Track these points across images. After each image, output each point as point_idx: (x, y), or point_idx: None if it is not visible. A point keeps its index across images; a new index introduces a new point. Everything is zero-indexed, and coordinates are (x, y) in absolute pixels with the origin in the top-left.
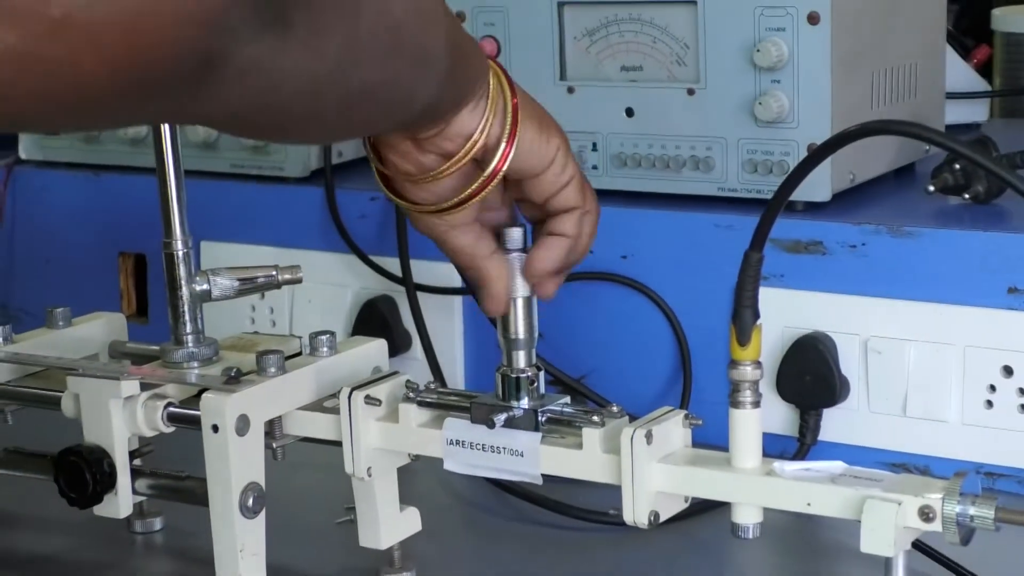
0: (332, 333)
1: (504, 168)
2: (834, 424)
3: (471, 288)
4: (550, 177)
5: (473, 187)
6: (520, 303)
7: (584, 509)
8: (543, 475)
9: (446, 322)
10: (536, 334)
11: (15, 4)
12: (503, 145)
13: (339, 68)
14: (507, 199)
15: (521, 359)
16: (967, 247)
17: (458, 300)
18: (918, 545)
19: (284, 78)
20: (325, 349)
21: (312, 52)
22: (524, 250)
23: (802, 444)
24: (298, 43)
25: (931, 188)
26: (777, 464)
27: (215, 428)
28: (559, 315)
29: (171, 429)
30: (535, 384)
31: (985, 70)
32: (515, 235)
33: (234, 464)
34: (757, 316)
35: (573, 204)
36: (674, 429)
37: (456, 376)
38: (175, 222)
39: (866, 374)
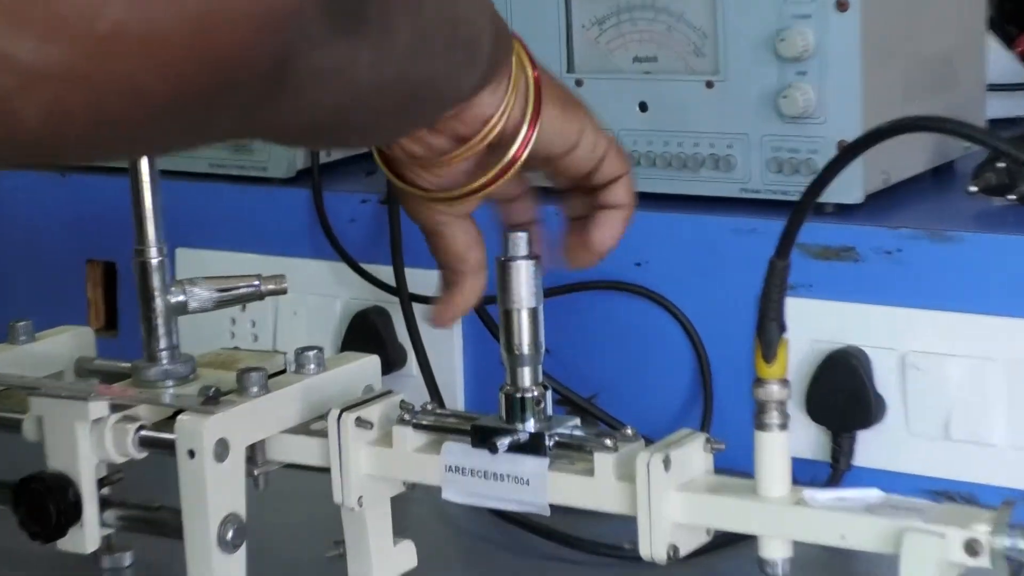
0: (320, 349)
1: (524, 155)
2: (869, 448)
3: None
4: (582, 154)
5: (490, 174)
6: (525, 315)
7: (596, 542)
8: (551, 505)
9: (444, 337)
10: (542, 349)
11: (61, 13)
12: (524, 130)
13: (406, 64)
14: (524, 187)
15: (526, 377)
16: (1013, 252)
17: None
18: None
19: (357, 80)
20: (312, 366)
21: (383, 50)
22: (531, 256)
23: (835, 470)
24: (370, 41)
25: (972, 189)
26: (808, 493)
27: (191, 453)
28: (567, 329)
29: (143, 455)
30: (542, 405)
31: None
32: (520, 241)
33: (212, 493)
34: (784, 329)
35: (619, 171)
36: (694, 454)
37: (455, 396)
38: (148, 227)
39: (904, 392)
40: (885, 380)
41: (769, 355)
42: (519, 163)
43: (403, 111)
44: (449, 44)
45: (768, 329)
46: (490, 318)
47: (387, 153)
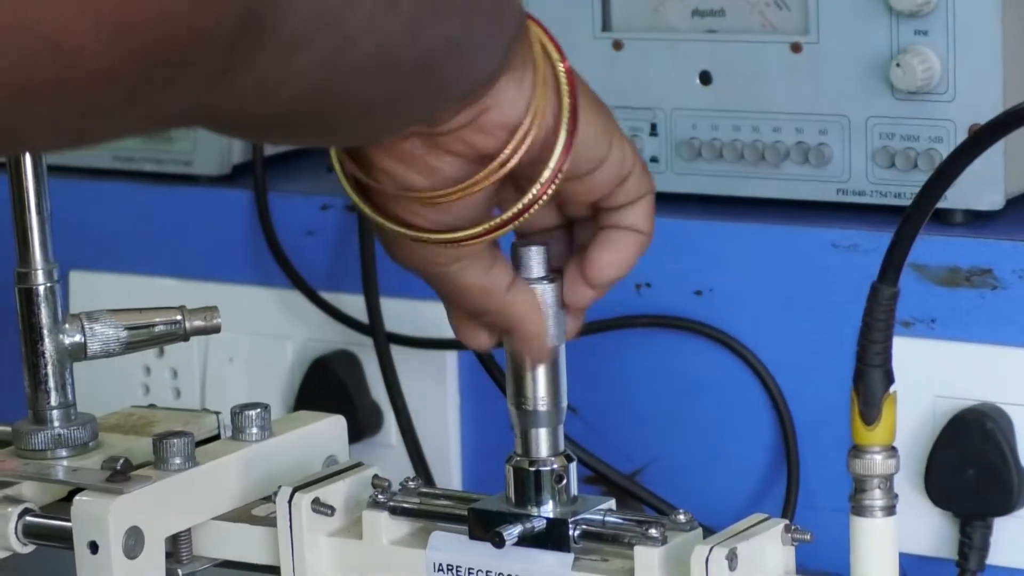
0: (266, 407)
1: (563, 171)
2: (1010, 541)
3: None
4: (610, 169)
5: (519, 204)
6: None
7: None
8: None
9: (433, 390)
10: (564, 405)
11: None
12: (562, 138)
13: (416, 16)
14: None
15: (543, 444)
16: None
17: (451, 357)
18: None
19: (354, 37)
20: (255, 430)
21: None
22: (547, 277)
23: (963, 570)
24: None
25: None
26: None
27: (93, 547)
28: (602, 380)
29: (29, 548)
30: (564, 481)
31: None
32: (534, 257)
33: None
34: (891, 380)
35: (640, 192)
36: (770, 547)
37: (448, 470)
38: (33, 242)
39: None
40: None
41: (870, 414)
42: (556, 183)
43: (409, 91)
44: None
45: (869, 379)
46: (495, 365)
47: (366, 182)
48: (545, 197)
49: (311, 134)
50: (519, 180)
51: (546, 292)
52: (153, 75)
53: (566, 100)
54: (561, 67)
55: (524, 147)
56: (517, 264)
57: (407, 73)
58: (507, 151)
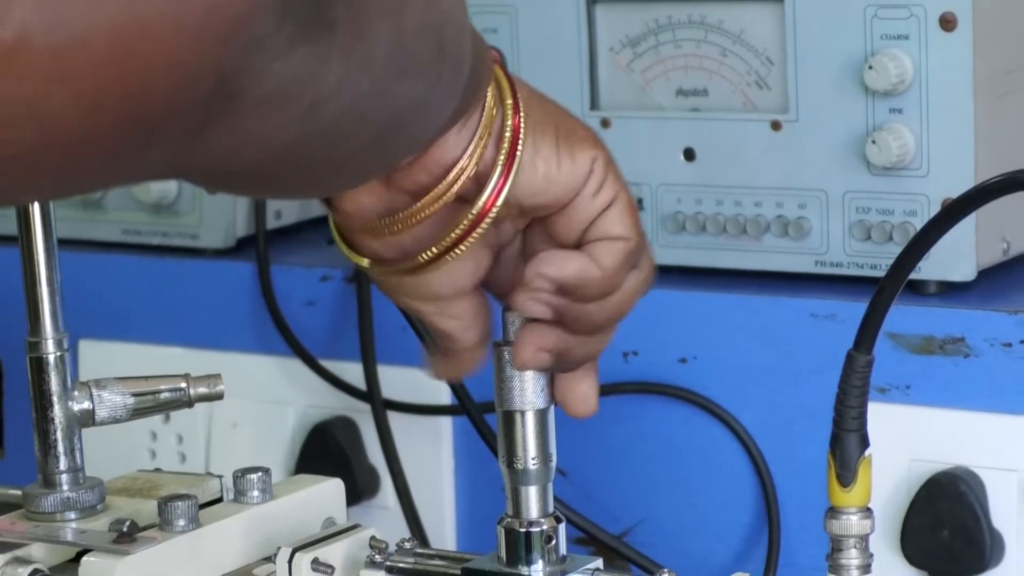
0: (267, 471)
1: (497, 205)
2: None
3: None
4: (581, 203)
5: (452, 235)
6: (531, 418)
7: None
8: None
9: (429, 454)
10: (553, 463)
11: None
12: (497, 174)
13: (386, 79)
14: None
15: (533, 504)
16: None
17: (446, 422)
18: None
19: (325, 100)
20: (256, 493)
21: (358, 61)
22: None
23: None
24: (341, 51)
25: None
26: None
27: None
28: (589, 445)
29: None
30: (553, 542)
31: None
32: (518, 320)
33: None
34: (867, 444)
35: (617, 234)
36: None
37: (443, 532)
38: (44, 312)
39: None
40: (1004, 512)
41: (846, 477)
42: (489, 217)
43: (380, 145)
44: (435, 56)
45: (845, 443)
46: (489, 429)
47: (339, 218)
48: (480, 227)
49: (284, 188)
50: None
51: None
52: (129, 140)
53: (507, 141)
54: (511, 114)
55: (458, 184)
56: (506, 328)
57: (376, 131)
58: (441, 186)
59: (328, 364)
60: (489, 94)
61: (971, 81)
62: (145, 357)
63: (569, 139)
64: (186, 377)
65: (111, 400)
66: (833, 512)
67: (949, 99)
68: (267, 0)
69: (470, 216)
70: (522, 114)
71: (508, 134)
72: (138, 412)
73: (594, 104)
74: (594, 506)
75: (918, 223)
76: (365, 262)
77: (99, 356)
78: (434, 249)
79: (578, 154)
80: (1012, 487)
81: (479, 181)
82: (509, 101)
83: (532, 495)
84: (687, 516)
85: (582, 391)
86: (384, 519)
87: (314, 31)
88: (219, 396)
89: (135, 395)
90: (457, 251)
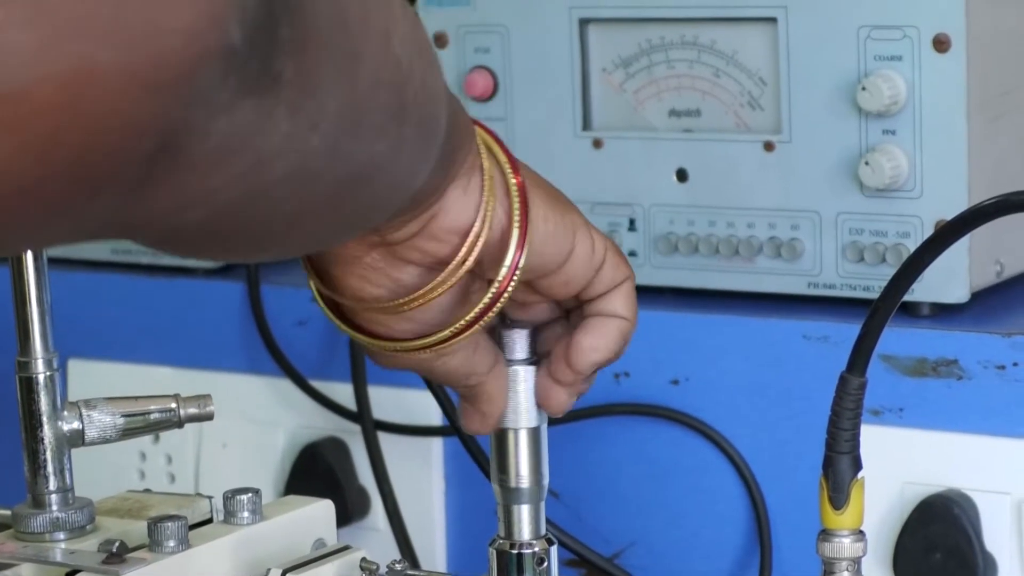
0: (256, 491)
1: (520, 267)
2: None
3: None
4: (579, 263)
5: (478, 307)
6: (524, 436)
7: None
8: None
9: (420, 476)
10: (545, 483)
11: None
12: (515, 238)
13: (338, 137)
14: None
15: (525, 525)
16: None
17: (437, 444)
18: None
19: (271, 157)
20: (246, 514)
21: (306, 117)
22: (530, 360)
23: None
24: (288, 107)
25: None
26: None
27: None
28: (581, 467)
29: None
30: (545, 564)
31: None
32: (517, 340)
33: None
34: (859, 466)
35: (618, 279)
36: None
37: (433, 552)
38: (34, 332)
39: (1022, 549)
40: (996, 534)
41: (839, 499)
42: (514, 281)
43: (336, 205)
44: (396, 116)
45: (838, 466)
46: (480, 450)
47: (334, 298)
48: (506, 295)
49: (239, 248)
50: (487, 276)
51: (528, 373)
52: (73, 193)
53: (515, 194)
54: (512, 176)
55: (477, 249)
56: (502, 345)
57: (330, 191)
58: (461, 254)
59: (318, 384)
60: (484, 157)
61: (964, 102)
62: (135, 377)
63: (556, 199)
64: (176, 397)
65: (101, 420)
66: (825, 535)
67: (942, 120)
68: (213, 53)
69: (494, 287)
70: (521, 171)
71: (516, 196)
72: (128, 432)
73: (586, 124)
74: (585, 528)
75: (911, 245)
76: (373, 342)
77: (88, 376)
78: (458, 325)
79: (567, 213)
80: (1005, 510)
81: (492, 247)
82: (505, 161)
83: (524, 515)
84: (679, 538)
85: (560, 396)
86: (374, 540)
87: (260, 86)
88: (209, 417)
89: (125, 415)
90: (476, 327)
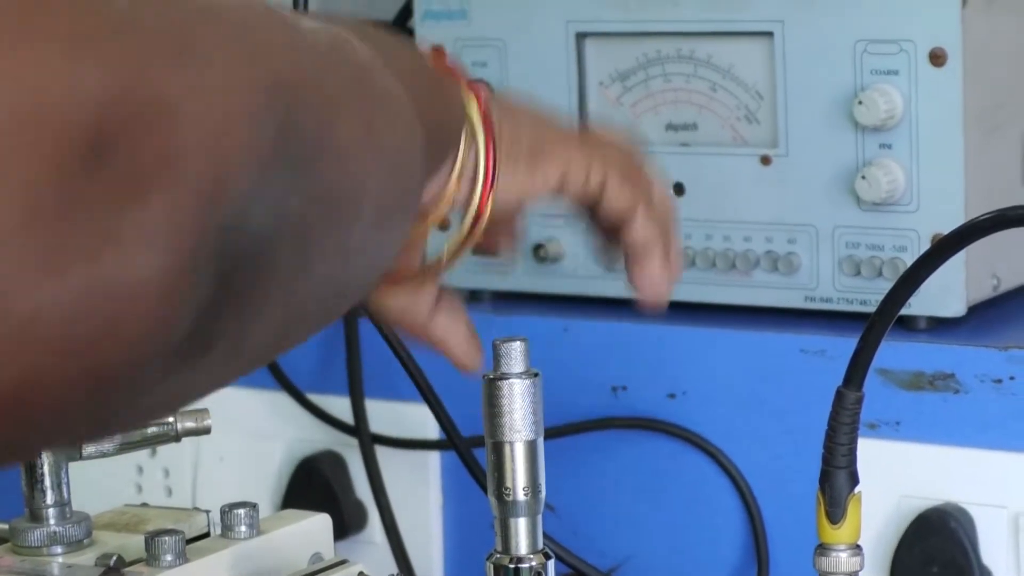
0: (254, 505)
1: (482, 225)
2: None
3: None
4: (573, 193)
5: (443, 256)
6: (520, 449)
7: None
8: None
9: (416, 489)
10: (542, 496)
11: None
12: (477, 197)
13: (261, 357)
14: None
15: (522, 537)
16: None
17: (434, 457)
18: None
19: (190, 398)
20: (243, 528)
21: (231, 368)
22: (527, 372)
23: None
24: (215, 366)
25: None
26: None
27: None
28: (577, 481)
29: None
30: None
31: None
32: (514, 352)
33: None
34: (856, 481)
35: (624, 204)
36: None
37: (430, 566)
38: None
39: (1019, 564)
40: (993, 548)
41: (835, 514)
42: (475, 235)
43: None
44: (328, 315)
45: (834, 480)
46: (476, 464)
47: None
48: (464, 248)
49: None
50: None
51: (524, 387)
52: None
53: (482, 162)
54: (484, 157)
55: (434, 221)
56: (498, 359)
57: (244, 368)
58: (421, 227)
59: (315, 398)
60: (464, 143)
61: (961, 116)
62: None
63: (542, 157)
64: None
65: None
66: (822, 549)
67: (939, 134)
68: (156, 353)
69: (461, 234)
70: (494, 150)
71: (483, 156)
72: (125, 446)
73: None
74: (582, 542)
75: (908, 259)
76: None
77: None
78: (424, 266)
79: (549, 167)
80: (1002, 524)
81: (457, 206)
82: (482, 137)
83: (521, 528)
84: (676, 552)
85: (651, 274)
86: (372, 554)
87: (191, 358)
88: (206, 431)
89: None
90: (451, 263)
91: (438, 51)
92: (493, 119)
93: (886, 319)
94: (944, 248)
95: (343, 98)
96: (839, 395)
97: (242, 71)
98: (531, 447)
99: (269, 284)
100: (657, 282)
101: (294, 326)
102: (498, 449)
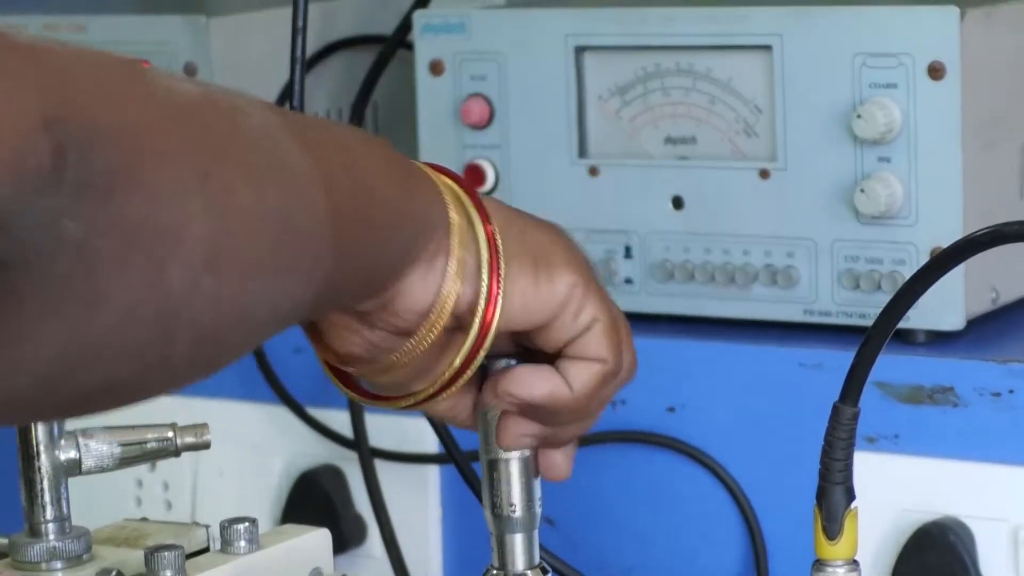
0: (253, 520)
1: (488, 341)
2: None
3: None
4: (563, 324)
5: (446, 375)
6: (516, 466)
7: None
8: None
9: (416, 504)
10: (538, 512)
11: None
12: (480, 308)
13: (59, 374)
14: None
15: (519, 554)
16: None
17: (433, 472)
18: None
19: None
20: (243, 543)
21: (20, 372)
22: None
23: None
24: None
25: None
26: None
27: None
28: (576, 495)
29: None
30: None
31: None
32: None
33: None
34: (852, 496)
35: (593, 355)
36: None
37: None
38: None
39: None
40: (993, 562)
41: (832, 529)
42: (482, 353)
43: (84, 408)
44: (156, 341)
45: (831, 496)
46: (476, 478)
47: (329, 360)
48: (475, 363)
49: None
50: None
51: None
52: None
53: (485, 281)
54: (485, 252)
55: (435, 332)
56: (489, 373)
57: (62, 407)
58: (419, 336)
59: (315, 412)
60: (455, 229)
61: (959, 130)
62: None
63: (548, 266)
64: (173, 426)
65: (98, 449)
66: (819, 565)
67: (937, 148)
68: None
69: (460, 356)
70: (498, 237)
71: (485, 274)
72: (125, 461)
73: (582, 152)
74: (581, 556)
75: (907, 272)
76: (370, 401)
77: None
78: (430, 389)
79: (556, 280)
80: (1002, 537)
81: (462, 317)
82: (482, 234)
83: (518, 544)
84: (675, 566)
85: (555, 459)
86: (371, 568)
87: None
88: (206, 446)
89: (122, 444)
90: (452, 390)
91: (436, 69)
92: (491, 214)
93: (882, 334)
94: (941, 264)
95: (175, 149)
96: (835, 410)
97: (24, 96)
98: (525, 463)
99: (46, 297)
100: (524, 394)
101: (91, 352)
102: (492, 466)
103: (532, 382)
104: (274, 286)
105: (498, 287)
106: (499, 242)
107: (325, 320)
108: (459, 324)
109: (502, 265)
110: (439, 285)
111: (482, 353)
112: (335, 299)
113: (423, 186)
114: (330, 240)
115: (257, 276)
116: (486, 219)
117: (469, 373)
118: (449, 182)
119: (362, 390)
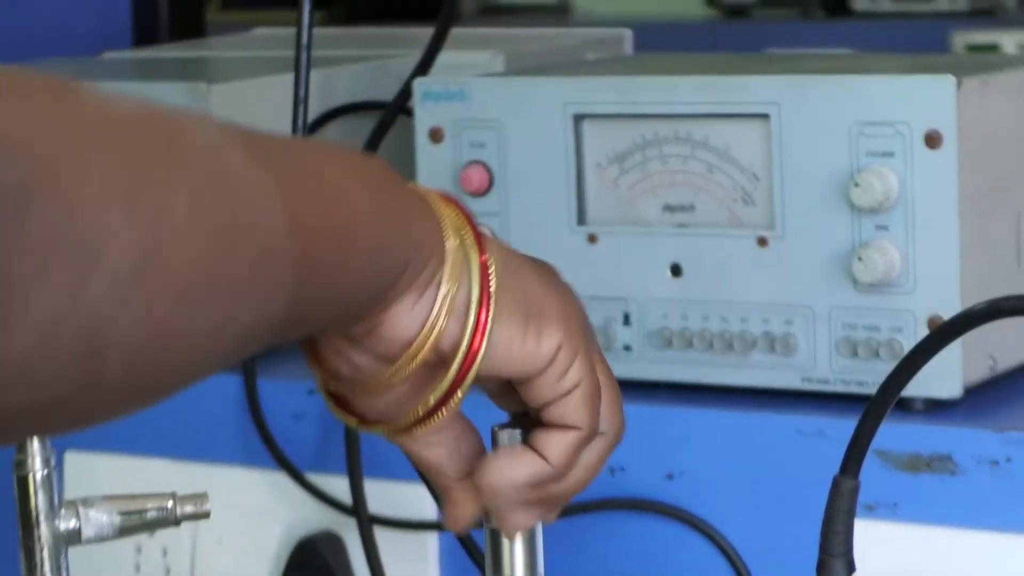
0: None
1: (466, 382)
2: None
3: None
4: (546, 382)
5: (420, 411)
6: (519, 537)
7: None
8: None
9: (415, 571)
10: None
11: None
12: (463, 348)
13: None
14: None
15: None
16: None
17: (432, 539)
18: None
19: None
20: None
21: None
22: None
23: None
24: None
25: None
26: None
27: None
28: (576, 560)
29: None
30: None
31: None
32: (515, 439)
33: None
34: (852, 568)
35: (570, 422)
36: None
37: None
38: None
39: None
40: None
41: None
42: (461, 392)
43: (29, 428)
44: (80, 357)
45: (831, 568)
46: (475, 546)
47: (326, 382)
48: (451, 402)
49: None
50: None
51: None
52: None
53: (471, 319)
54: (476, 288)
55: (416, 361)
56: (497, 446)
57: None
58: (400, 362)
59: (314, 478)
60: (449, 261)
61: (956, 198)
62: (131, 469)
63: (539, 320)
64: (173, 496)
65: (98, 519)
66: None
67: (934, 216)
68: None
69: (442, 387)
70: (492, 281)
71: (473, 311)
72: (124, 531)
73: (581, 219)
74: None
75: (905, 340)
76: (354, 421)
77: (85, 468)
78: (409, 420)
79: (545, 337)
80: None
81: (444, 352)
82: (476, 272)
83: None
84: None
85: (513, 521)
86: None
87: None
88: (206, 515)
89: (122, 514)
90: (432, 423)
91: (435, 136)
92: (489, 260)
93: (881, 408)
94: (937, 339)
95: (100, 161)
96: (835, 483)
97: None
98: (529, 534)
99: None
100: (501, 482)
101: (12, 374)
102: (495, 537)
103: (512, 467)
104: (220, 304)
105: (482, 337)
106: (492, 281)
107: (324, 344)
108: (442, 360)
109: (491, 308)
110: (426, 317)
111: (459, 394)
112: (307, 321)
113: (417, 212)
114: (292, 256)
115: (196, 293)
116: (482, 251)
117: (446, 413)
118: (449, 211)
119: (356, 413)
